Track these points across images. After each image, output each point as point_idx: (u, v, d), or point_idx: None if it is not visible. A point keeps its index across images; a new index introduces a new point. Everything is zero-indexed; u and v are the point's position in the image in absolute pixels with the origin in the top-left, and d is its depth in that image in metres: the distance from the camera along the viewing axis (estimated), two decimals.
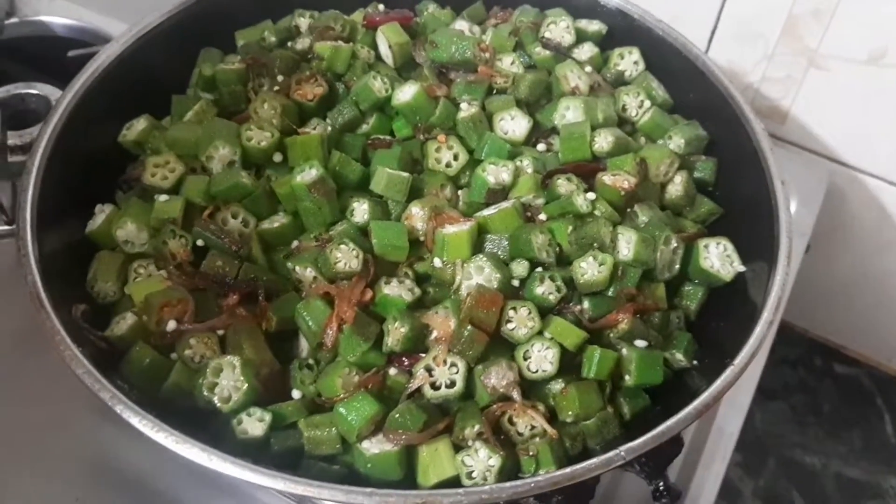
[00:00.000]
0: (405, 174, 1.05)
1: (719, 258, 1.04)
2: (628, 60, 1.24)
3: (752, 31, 1.43)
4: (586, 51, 1.23)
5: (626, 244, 1.01)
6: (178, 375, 0.92)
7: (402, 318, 0.93)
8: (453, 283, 0.99)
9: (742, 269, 1.04)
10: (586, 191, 1.05)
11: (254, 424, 0.89)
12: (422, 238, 1.02)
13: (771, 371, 1.41)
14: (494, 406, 0.91)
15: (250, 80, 1.15)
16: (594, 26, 1.26)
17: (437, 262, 1.00)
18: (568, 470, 0.83)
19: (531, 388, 0.94)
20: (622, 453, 0.84)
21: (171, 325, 0.94)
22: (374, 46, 1.21)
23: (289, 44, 1.22)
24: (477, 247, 1.00)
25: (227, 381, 0.90)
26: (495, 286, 0.96)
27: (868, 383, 1.76)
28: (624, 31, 1.26)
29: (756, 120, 1.12)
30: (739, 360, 0.91)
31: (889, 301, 1.67)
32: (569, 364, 0.95)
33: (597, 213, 1.03)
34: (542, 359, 0.94)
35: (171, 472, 1.07)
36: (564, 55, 1.21)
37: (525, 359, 0.94)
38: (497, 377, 0.91)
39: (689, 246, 1.05)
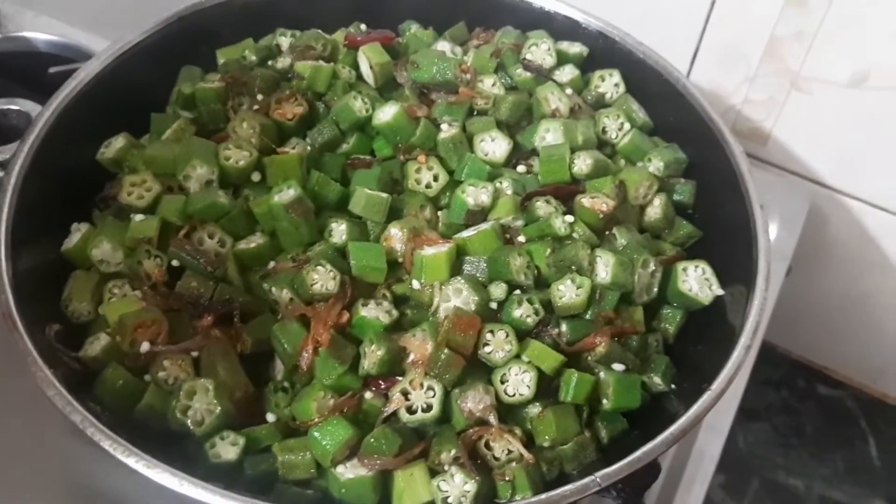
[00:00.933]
0: (384, 195, 1.04)
1: (698, 281, 1.04)
2: (609, 83, 1.24)
3: (735, 53, 1.44)
4: (567, 73, 1.24)
5: (604, 267, 1.01)
6: (151, 397, 0.91)
7: (379, 341, 0.93)
8: (431, 305, 0.98)
9: (720, 292, 1.04)
10: (565, 213, 1.05)
11: (227, 448, 0.88)
12: (400, 259, 1.01)
13: (754, 392, 1.40)
14: (471, 430, 0.91)
15: (230, 99, 1.15)
16: (575, 48, 1.26)
17: (415, 283, 0.99)
18: (543, 497, 0.83)
19: (508, 412, 0.94)
20: (597, 479, 0.83)
21: (145, 346, 0.93)
22: (356, 66, 1.21)
23: (269, 62, 1.22)
24: (455, 269, 1.00)
25: (201, 403, 0.89)
26: (473, 308, 0.96)
27: (852, 405, 1.75)
28: (605, 53, 1.26)
29: (735, 143, 1.12)
30: (717, 384, 0.91)
31: (872, 323, 1.67)
32: (546, 388, 0.95)
33: (575, 235, 1.03)
34: (519, 382, 0.93)
35: (151, 495, 1.05)
36: (545, 77, 1.22)
37: (502, 382, 0.94)
38: (474, 401, 0.91)
39: (668, 269, 1.05)
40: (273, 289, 0.98)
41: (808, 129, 1.48)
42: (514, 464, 0.90)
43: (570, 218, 1.04)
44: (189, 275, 0.97)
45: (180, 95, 1.16)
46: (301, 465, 0.89)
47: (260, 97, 1.14)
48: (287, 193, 1.01)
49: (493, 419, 0.91)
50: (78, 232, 1.04)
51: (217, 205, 1.02)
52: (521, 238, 1.03)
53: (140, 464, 0.81)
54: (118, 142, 1.11)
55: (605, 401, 0.96)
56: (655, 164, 1.16)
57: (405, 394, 0.91)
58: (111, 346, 0.94)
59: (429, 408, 0.91)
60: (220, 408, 0.89)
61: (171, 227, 1.01)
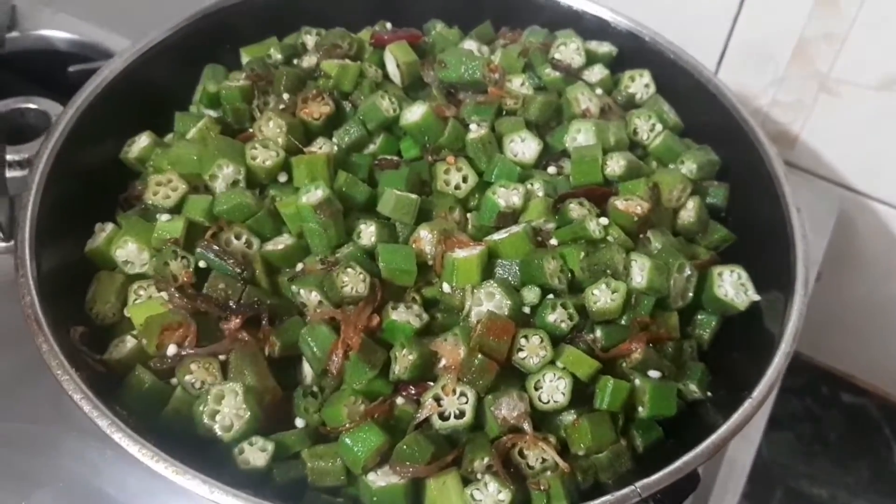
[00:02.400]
0: (413, 196, 1.02)
1: (733, 286, 1.02)
2: (639, 83, 1.22)
3: (763, 54, 1.42)
4: (596, 73, 1.22)
5: (640, 271, 0.98)
6: (177, 401, 0.89)
7: (410, 346, 0.91)
8: (462, 309, 0.96)
9: (757, 298, 1.02)
10: (598, 216, 1.03)
11: (256, 454, 0.86)
12: (430, 262, 0.99)
13: (777, 400, 1.38)
14: (505, 438, 0.88)
15: (255, 98, 1.13)
16: (604, 48, 1.25)
17: (445, 287, 0.97)
18: None
19: (542, 420, 0.92)
20: (638, 490, 0.81)
21: (172, 349, 0.91)
22: (382, 65, 1.19)
23: (295, 61, 1.20)
24: (487, 272, 0.98)
25: (229, 408, 0.87)
26: (506, 313, 0.94)
27: (875, 413, 1.73)
28: (634, 53, 1.24)
29: (770, 144, 1.10)
30: (758, 392, 0.89)
31: None
32: (581, 395, 0.92)
33: (609, 239, 1.01)
34: (553, 389, 0.91)
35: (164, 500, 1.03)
36: (575, 77, 1.20)
37: (536, 389, 0.91)
38: (508, 408, 0.89)
39: (703, 274, 1.03)
40: (301, 291, 0.96)
41: (836, 133, 1.46)
42: (548, 472, 0.88)
43: (604, 220, 1.02)
44: (216, 276, 0.95)
45: (205, 94, 1.14)
46: (331, 471, 0.87)
47: (286, 96, 1.12)
48: (315, 194, 0.99)
49: (527, 426, 0.88)
50: (102, 232, 1.02)
51: (244, 205, 1.00)
52: (554, 241, 1.01)
53: (169, 470, 0.79)
54: (142, 140, 1.09)
55: (640, 408, 0.93)
56: (688, 167, 1.13)
57: (437, 399, 0.89)
58: (137, 349, 0.92)
59: (461, 414, 0.89)
60: (249, 412, 0.87)
61: (198, 228, 0.99)
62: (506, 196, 1.04)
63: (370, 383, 0.90)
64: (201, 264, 0.97)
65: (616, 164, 1.09)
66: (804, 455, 1.65)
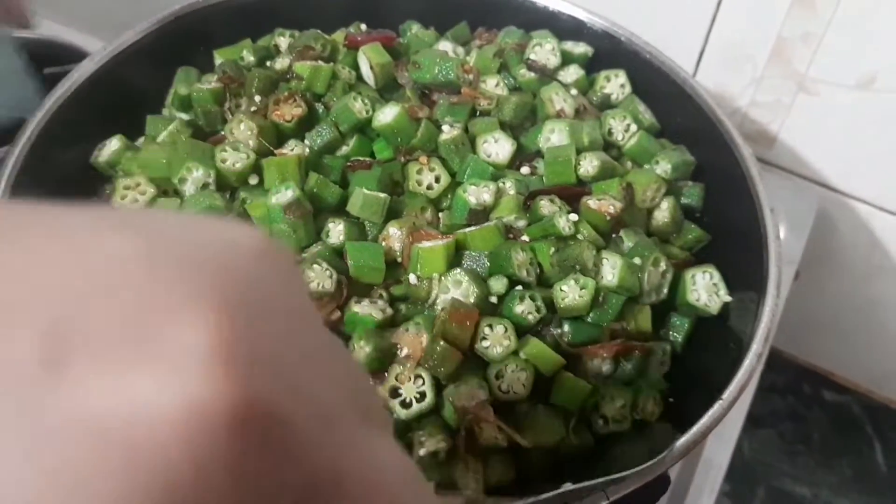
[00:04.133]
0: (382, 195, 1.02)
1: (706, 290, 1.02)
2: (615, 83, 1.21)
3: (741, 54, 1.42)
4: (572, 73, 1.21)
5: (611, 269, 0.98)
6: None
7: (367, 338, 0.90)
8: (428, 299, 0.95)
9: (728, 299, 1.01)
10: (569, 212, 1.03)
11: None
12: (399, 259, 0.99)
13: (759, 398, 1.38)
14: (470, 416, 0.88)
15: (227, 101, 1.12)
16: (580, 48, 1.24)
17: (412, 278, 0.96)
18: None
19: (498, 410, 0.90)
20: (605, 493, 0.81)
21: None
22: (356, 67, 1.18)
23: (268, 63, 1.19)
24: (454, 263, 0.97)
25: None
26: (472, 301, 0.93)
27: (858, 411, 1.73)
28: (610, 53, 1.24)
29: (745, 145, 1.10)
30: (728, 393, 0.88)
31: (878, 327, 1.65)
32: (541, 388, 0.92)
33: (580, 236, 1.00)
34: (514, 380, 0.90)
35: None
36: (550, 78, 1.19)
37: (497, 378, 0.91)
38: (467, 398, 0.88)
39: (677, 275, 1.02)
40: None
41: (815, 132, 1.46)
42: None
43: (574, 217, 1.02)
44: None
45: (176, 97, 1.13)
46: None
47: (258, 98, 1.11)
48: (285, 195, 0.98)
49: (487, 413, 0.88)
50: None
51: (214, 208, 0.99)
52: (525, 238, 1.01)
53: None
54: (113, 144, 1.08)
55: (597, 410, 0.94)
56: (663, 167, 1.13)
57: (395, 389, 0.88)
58: None
59: (422, 396, 0.88)
60: None
61: None
62: (476, 194, 1.03)
63: None
64: None
65: (590, 165, 1.09)
66: (787, 454, 1.65)
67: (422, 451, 0.88)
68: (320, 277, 0.94)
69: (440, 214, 1.06)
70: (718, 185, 1.13)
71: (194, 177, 1.02)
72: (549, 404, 0.92)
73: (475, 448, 0.88)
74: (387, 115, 1.09)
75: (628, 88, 1.21)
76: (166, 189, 1.03)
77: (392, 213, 1.03)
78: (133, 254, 0.31)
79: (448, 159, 1.09)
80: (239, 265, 0.33)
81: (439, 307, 0.93)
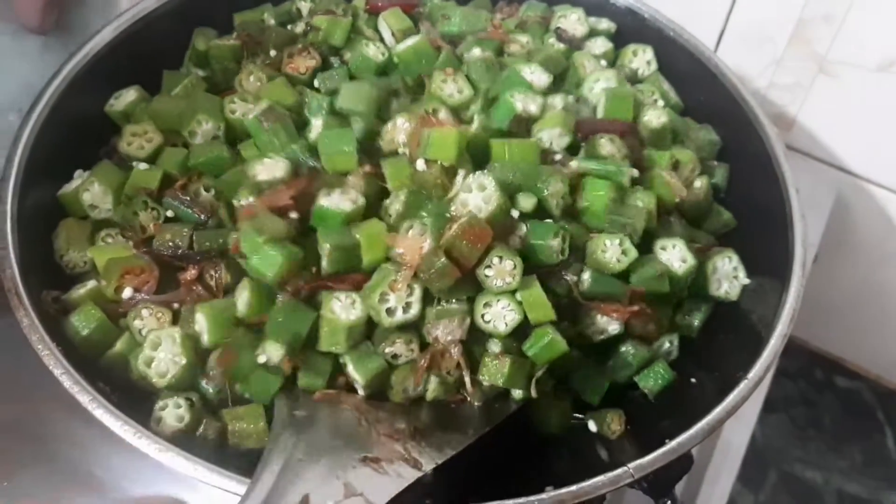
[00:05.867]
0: (369, 84, 0.98)
1: (727, 279, 1.00)
2: (641, 59, 1.19)
3: (761, 35, 1.40)
4: (600, 45, 1.18)
5: (681, 261, 0.96)
6: (123, 345, 0.88)
7: (328, 234, 0.86)
8: (440, 190, 0.90)
9: (746, 282, 1.00)
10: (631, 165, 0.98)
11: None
12: (402, 150, 0.93)
13: (772, 383, 1.37)
14: (440, 347, 0.87)
15: (245, 58, 1.09)
16: (603, 24, 1.22)
17: (419, 163, 0.90)
18: (574, 488, 0.79)
19: (471, 334, 0.88)
20: (631, 471, 0.80)
21: (128, 292, 0.89)
22: (377, 33, 1.16)
23: (289, 27, 1.16)
24: (474, 166, 0.92)
25: (165, 353, 0.85)
26: (492, 209, 0.87)
27: (869, 396, 1.73)
28: (633, 30, 1.22)
29: (770, 125, 1.08)
30: (754, 372, 0.88)
31: (891, 314, 1.64)
32: (521, 332, 0.89)
33: (639, 203, 0.95)
34: (500, 316, 0.87)
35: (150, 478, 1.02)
36: (579, 49, 1.16)
37: (485, 306, 0.88)
38: (444, 330, 0.86)
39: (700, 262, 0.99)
40: (240, 202, 0.90)
41: (834, 115, 1.44)
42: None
43: (635, 172, 0.98)
44: (173, 225, 0.92)
45: (194, 52, 1.11)
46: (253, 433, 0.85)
47: (273, 52, 1.08)
48: (258, 107, 0.96)
49: (456, 352, 0.86)
50: (79, 179, 0.98)
51: (220, 158, 0.96)
52: (574, 163, 0.95)
53: (152, 447, 0.77)
54: (129, 95, 1.06)
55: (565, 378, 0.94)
56: (689, 146, 1.11)
57: (383, 295, 0.85)
58: (95, 290, 0.90)
59: (408, 307, 0.86)
60: (185, 360, 0.85)
61: (172, 181, 0.96)
62: (523, 101, 0.99)
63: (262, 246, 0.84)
64: (170, 214, 0.94)
65: (655, 118, 1.05)
66: (798, 439, 1.65)
67: (388, 349, 0.87)
68: (271, 170, 0.91)
69: (475, 116, 1.00)
70: (743, 166, 1.11)
71: (204, 129, 1.00)
72: (520, 353, 0.89)
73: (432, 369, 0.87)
74: (408, 42, 1.06)
75: (654, 65, 1.18)
76: (176, 142, 1.01)
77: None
78: None
79: (477, 77, 1.04)
80: None
81: (458, 207, 0.87)
